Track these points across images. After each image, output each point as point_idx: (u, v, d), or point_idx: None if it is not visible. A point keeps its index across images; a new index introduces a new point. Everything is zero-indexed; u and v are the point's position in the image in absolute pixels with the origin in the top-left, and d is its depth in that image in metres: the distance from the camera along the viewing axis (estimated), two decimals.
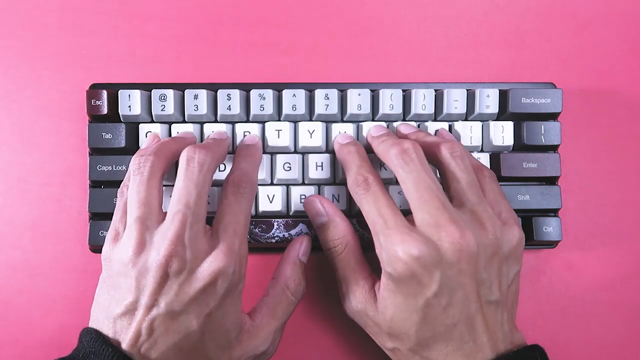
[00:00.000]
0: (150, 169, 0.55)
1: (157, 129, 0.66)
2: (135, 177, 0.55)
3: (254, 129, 0.66)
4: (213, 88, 0.67)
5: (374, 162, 0.63)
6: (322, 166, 0.66)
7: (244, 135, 0.66)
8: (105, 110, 0.65)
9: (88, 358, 0.50)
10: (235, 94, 0.66)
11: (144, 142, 0.66)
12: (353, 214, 0.67)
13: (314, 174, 0.66)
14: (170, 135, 0.66)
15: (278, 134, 0.66)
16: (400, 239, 0.51)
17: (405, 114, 0.67)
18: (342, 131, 0.66)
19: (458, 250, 0.50)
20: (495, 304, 0.53)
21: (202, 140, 0.66)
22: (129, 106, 0.65)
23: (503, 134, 0.67)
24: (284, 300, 0.60)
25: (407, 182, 0.54)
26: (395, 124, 0.67)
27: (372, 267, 0.59)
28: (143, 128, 0.67)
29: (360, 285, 0.58)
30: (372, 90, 0.67)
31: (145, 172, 0.55)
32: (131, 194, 0.55)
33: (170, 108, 0.65)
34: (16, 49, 0.72)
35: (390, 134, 0.63)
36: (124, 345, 0.50)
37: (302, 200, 0.66)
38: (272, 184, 0.67)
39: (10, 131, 0.71)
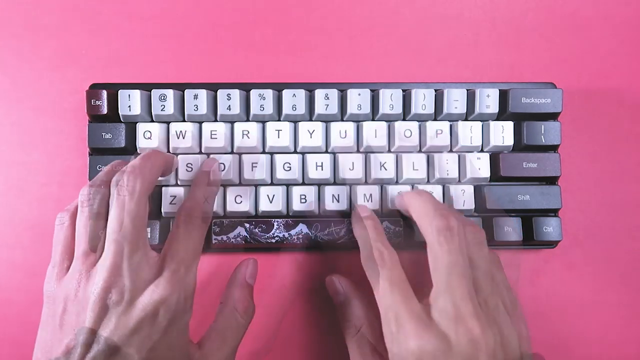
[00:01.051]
0: (98, 202, 0.54)
1: (157, 128, 0.66)
2: (84, 210, 0.54)
3: (253, 128, 0.66)
4: (213, 88, 0.67)
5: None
6: (322, 166, 0.66)
7: (243, 136, 0.66)
8: (105, 110, 0.65)
9: None
10: (235, 94, 0.66)
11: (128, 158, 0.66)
12: (350, 215, 0.67)
13: (314, 174, 0.66)
14: (168, 134, 0.67)
15: (278, 134, 0.66)
16: (415, 332, 0.49)
17: (405, 114, 0.67)
18: (343, 131, 0.66)
19: (476, 348, 0.49)
20: None
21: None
22: (129, 106, 0.65)
23: (503, 133, 0.67)
24: (233, 324, 0.58)
25: (440, 260, 0.52)
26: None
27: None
28: (141, 127, 0.67)
29: None
30: (372, 90, 0.67)
31: (94, 205, 0.54)
32: (78, 225, 0.54)
33: (170, 108, 0.65)
34: (16, 49, 0.72)
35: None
36: None
37: (303, 200, 0.66)
38: (272, 184, 0.67)
39: (10, 131, 0.71)
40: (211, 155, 0.67)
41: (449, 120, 0.68)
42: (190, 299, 0.53)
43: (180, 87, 0.67)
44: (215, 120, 0.67)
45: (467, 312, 0.49)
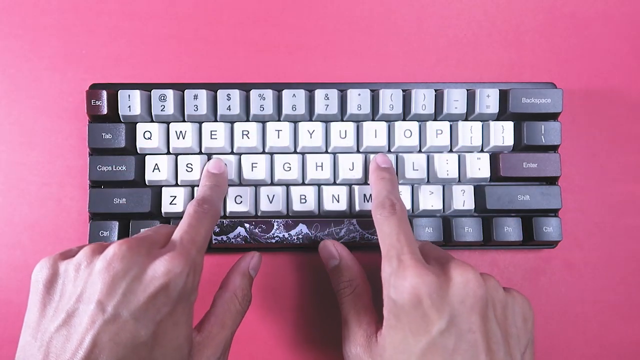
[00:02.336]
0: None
1: (157, 128, 0.66)
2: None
3: (253, 128, 0.66)
4: (213, 88, 0.67)
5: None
6: (322, 166, 0.66)
7: (243, 136, 0.66)
8: (105, 111, 0.65)
9: None
10: (235, 94, 0.66)
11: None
12: (353, 214, 0.67)
13: (313, 174, 0.66)
14: (168, 134, 0.67)
15: (278, 134, 0.66)
16: (415, 267, 0.50)
17: (405, 114, 0.67)
18: (343, 131, 0.66)
19: (469, 287, 0.49)
20: None
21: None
22: (129, 106, 0.65)
23: (503, 134, 0.67)
24: (233, 309, 0.57)
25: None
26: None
27: (379, 316, 0.57)
28: (141, 128, 0.67)
29: (362, 329, 0.56)
30: (372, 90, 0.67)
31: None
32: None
33: (170, 108, 0.65)
34: (16, 49, 0.72)
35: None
36: None
37: (303, 201, 0.66)
38: (272, 184, 0.67)
39: (10, 131, 0.71)
40: (213, 156, 0.67)
41: (449, 120, 0.68)
42: (198, 279, 0.53)
43: (180, 87, 0.67)
44: (215, 120, 0.67)
45: (456, 260, 0.52)
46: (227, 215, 0.67)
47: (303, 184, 0.67)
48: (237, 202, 0.66)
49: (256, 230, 0.66)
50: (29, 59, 0.72)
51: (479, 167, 0.67)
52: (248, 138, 0.66)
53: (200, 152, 0.67)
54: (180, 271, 0.49)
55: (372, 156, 0.66)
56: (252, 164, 0.66)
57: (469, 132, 0.67)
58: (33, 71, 0.72)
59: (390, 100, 0.66)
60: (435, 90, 0.67)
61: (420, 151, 0.68)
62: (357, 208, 0.66)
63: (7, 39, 0.72)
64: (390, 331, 0.51)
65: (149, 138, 0.66)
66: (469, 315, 0.49)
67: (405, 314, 0.49)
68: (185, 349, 0.51)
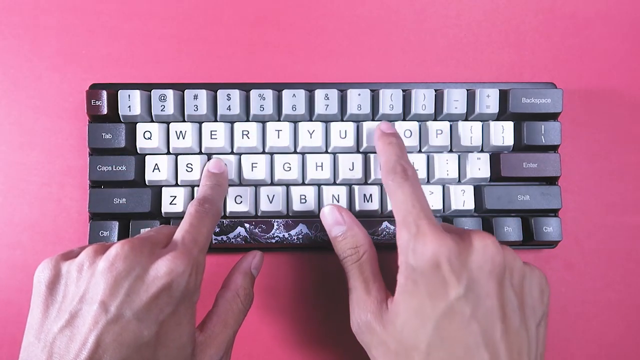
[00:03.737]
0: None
1: (157, 128, 0.66)
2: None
3: (253, 129, 0.66)
4: (213, 88, 0.67)
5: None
6: (322, 166, 0.66)
7: (243, 136, 0.66)
8: (105, 111, 0.65)
9: None
10: (235, 94, 0.66)
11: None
12: (353, 213, 0.66)
13: (313, 174, 0.66)
14: (168, 134, 0.67)
15: (278, 134, 0.66)
16: (434, 232, 0.49)
17: (405, 114, 0.67)
18: (343, 131, 0.66)
19: (487, 253, 0.49)
20: (522, 337, 0.50)
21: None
22: (129, 106, 0.65)
23: (503, 134, 0.67)
24: (235, 308, 0.57)
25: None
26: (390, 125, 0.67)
27: (388, 284, 0.57)
28: (141, 128, 0.67)
29: (372, 296, 0.55)
30: (372, 90, 0.67)
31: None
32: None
33: (170, 108, 0.65)
34: (16, 49, 0.72)
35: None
36: None
37: (303, 201, 0.66)
38: (272, 184, 0.67)
39: (10, 131, 0.71)
40: (213, 156, 0.67)
41: (449, 120, 0.68)
42: (200, 279, 0.53)
43: (180, 87, 0.67)
44: (215, 121, 0.67)
45: (472, 229, 0.52)
46: (227, 215, 0.67)
47: (303, 184, 0.67)
48: (237, 202, 0.66)
49: (256, 230, 0.66)
50: (29, 59, 0.72)
51: (479, 167, 0.67)
52: (248, 138, 0.66)
53: (200, 152, 0.67)
54: (182, 271, 0.49)
55: (373, 156, 0.66)
56: (252, 164, 0.66)
57: (469, 132, 0.67)
58: (33, 71, 0.72)
59: (390, 100, 0.66)
60: (435, 90, 0.67)
61: (420, 151, 0.68)
62: (357, 208, 0.66)
63: (7, 39, 0.72)
64: (405, 296, 0.51)
65: (149, 138, 0.66)
66: (487, 281, 0.49)
67: (424, 279, 0.49)
68: (188, 349, 0.51)
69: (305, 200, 0.66)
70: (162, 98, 0.65)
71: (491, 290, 0.49)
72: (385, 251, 0.68)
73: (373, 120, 0.67)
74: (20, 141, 0.71)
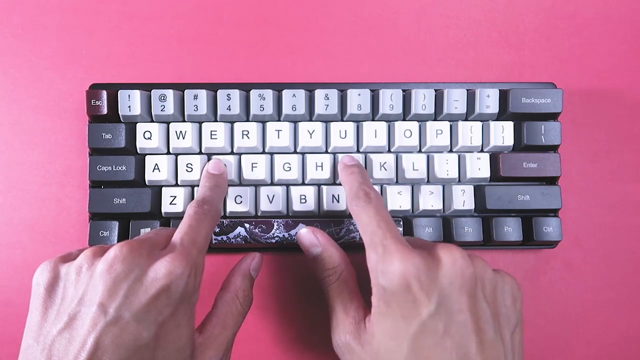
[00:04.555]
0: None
1: (157, 128, 0.66)
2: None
3: (253, 129, 0.66)
4: (213, 88, 0.67)
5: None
6: (321, 166, 0.66)
7: (243, 136, 0.66)
8: (105, 111, 0.65)
9: None
10: (235, 94, 0.66)
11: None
12: (350, 215, 0.67)
13: (313, 174, 0.66)
14: (168, 134, 0.67)
15: (278, 134, 0.66)
16: (401, 251, 0.50)
17: (405, 114, 0.67)
18: (343, 131, 0.66)
19: (457, 267, 0.49)
20: (498, 349, 0.50)
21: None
22: (129, 106, 0.65)
23: (503, 134, 0.67)
24: (234, 310, 0.57)
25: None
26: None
27: (366, 301, 0.56)
28: (141, 128, 0.67)
29: (350, 316, 0.55)
30: (372, 90, 0.67)
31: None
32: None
33: (170, 108, 0.65)
34: (16, 49, 0.72)
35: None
36: None
37: (303, 201, 0.66)
38: (272, 184, 0.67)
39: (10, 131, 0.71)
40: (212, 156, 0.67)
41: (449, 120, 0.68)
42: (199, 280, 0.53)
43: (180, 87, 0.67)
44: (215, 120, 0.67)
45: (441, 243, 0.52)
46: (227, 215, 0.67)
47: (303, 184, 0.67)
48: (237, 202, 0.66)
49: (256, 230, 0.66)
50: (29, 59, 0.72)
51: (479, 167, 0.67)
52: (248, 138, 0.66)
53: (200, 152, 0.67)
54: (181, 272, 0.49)
55: (374, 155, 0.66)
56: (252, 164, 0.66)
57: (469, 132, 0.67)
58: (33, 71, 0.72)
59: (390, 100, 0.66)
60: (435, 90, 0.67)
61: (420, 151, 0.68)
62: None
63: (7, 39, 0.72)
64: (379, 318, 0.51)
65: (149, 138, 0.66)
66: (458, 295, 0.49)
67: (396, 299, 0.49)
68: (187, 351, 0.51)
69: (305, 200, 0.66)
70: (162, 98, 0.65)
71: (463, 304, 0.49)
72: None
73: (373, 120, 0.67)
74: (20, 141, 0.71)
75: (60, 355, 0.46)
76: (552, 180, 0.68)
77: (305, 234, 0.62)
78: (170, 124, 0.67)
